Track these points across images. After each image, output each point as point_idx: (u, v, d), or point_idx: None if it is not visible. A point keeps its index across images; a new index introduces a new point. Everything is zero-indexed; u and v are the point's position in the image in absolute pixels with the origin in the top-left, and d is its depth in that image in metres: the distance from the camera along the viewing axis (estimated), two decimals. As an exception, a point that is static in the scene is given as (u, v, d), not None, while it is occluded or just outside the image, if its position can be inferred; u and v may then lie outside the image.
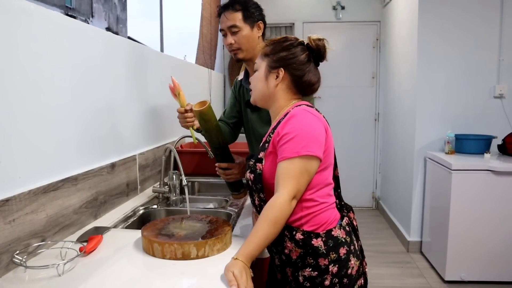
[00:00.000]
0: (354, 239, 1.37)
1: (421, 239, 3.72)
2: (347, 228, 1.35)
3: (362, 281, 1.38)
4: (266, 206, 1.20)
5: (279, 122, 1.31)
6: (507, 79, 3.45)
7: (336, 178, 1.42)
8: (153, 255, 1.27)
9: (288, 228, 1.28)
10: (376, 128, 5.08)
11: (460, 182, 3.02)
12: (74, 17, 1.59)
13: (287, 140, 1.23)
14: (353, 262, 1.31)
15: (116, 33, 1.97)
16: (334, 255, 1.27)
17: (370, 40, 4.97)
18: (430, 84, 3.54)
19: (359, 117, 5.06)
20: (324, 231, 1.28)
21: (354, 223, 1.44)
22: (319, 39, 1.36)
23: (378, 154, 5.10)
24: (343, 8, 4.90)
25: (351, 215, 1.45)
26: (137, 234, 1.46)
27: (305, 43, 1.38)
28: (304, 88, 1.37)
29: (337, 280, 1.27)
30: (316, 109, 1.35)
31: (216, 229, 1.39)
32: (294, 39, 1.39)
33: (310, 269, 1.28)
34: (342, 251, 1.29)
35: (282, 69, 1.34)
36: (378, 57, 4.96)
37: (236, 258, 1.14)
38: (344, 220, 1.35)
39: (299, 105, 1.32)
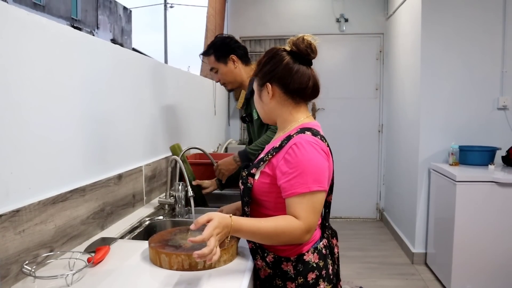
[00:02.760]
0: (330, 262, 1.34)
1: (426, 250, 3.71)
2: (324, 251, 1.32)
3: None
4: (287, 224, 1.18)
5: (281, 145, 1.28)
6: (510, 90, 3.46)
7: (327, 202, 1.40)
8: (160, 266, 1.28)
9: (260, 248, 1.31)
10: (380, 140, 5.09)
11: (465, 194, 3.02)
12: (80, 29, 1.63)
13: (297, 174, 1.20)
14: (322, 286, 1.29)
15: (121, 45, 2.03)
16: (302, 279, 1.27)
17: (374, 52, 5.00)
18: (433, 95, 3.56)
19: (362, 129, 5.08)
20: (295, 256, 1.28)
21: (335, 249, 1.42)
22: (298, 38, 1.33)
23: (382, 165, 5.10)
24: (346, 20, 4.94)
25: (334, 241, 1.42)
26: (144, 245, 1.47)
27: (288, 49, 1.35)
28: (297, 92, 1.33)
29: None
30: (317, 134, 1.29)
31: (223, 240, 1.39)
32: (273, 50, 1.36)
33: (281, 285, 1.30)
34: (311, 275, 1.28)
35: (268, 83, 1.33)
36: (381, 69, 4.99)
37: (231, 220, 1.16)
38: (321, 242, 1.33)
39: (303, 130, 1.28)
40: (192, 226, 1.14)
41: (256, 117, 2.08)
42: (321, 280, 1.29)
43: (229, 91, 2.23)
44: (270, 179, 1.27)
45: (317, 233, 1.35)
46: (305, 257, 1.29)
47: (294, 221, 1.18)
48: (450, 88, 3.54)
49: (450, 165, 3.36)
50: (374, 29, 4.96)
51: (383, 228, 4.84)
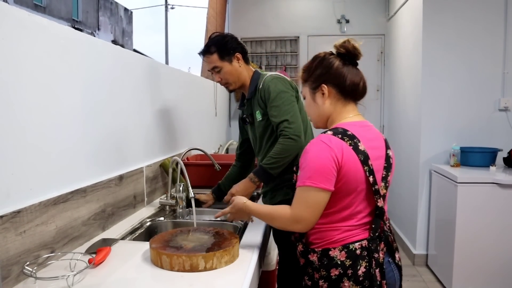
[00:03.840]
0: (363, 265, 1.31)
1: (427, 252, 3.70)
2: (357, 252, 1.31)
3: None
4: (279, 211, 1.36)
5: None
6: (511, 92, 3.46)
7: (378, 208, 1.34)
8: (162, 267, 1.28)
9: (296, 239, 1.43)
10: (381, 141, 5.07)
11: (466, 195, 3.01)
12: (81, 30, 1.63)
13: (301, 169, 1.32)
14: (347, 285, 1.29)
15: (122, 46, 2.01)
16: (324, 272, 1.31)
17: (375, 53, 5.00)
18: (435, 97, 3.55)
19: (363, 130, 5.06)
20: (321, 249, 1.33)
21: (380, 254, 1.35)
22: (344, 41, 1.40)
23: (383, 166, 5.08)
24: (347, 21, 4.94)
25: (381, 245, 1.37)
26: (145, 246, 1.47)
27: (334, 52, 1.42)
28: (351, 91, 1.39)
29: None
30: (341, 133, 1.32)
31: (224, 241, 1.40)
32: (322, 54, 1.44)
33: (307, 278, 1.37)
34: (334, 271, 1.30)
35: (323, 84, 1.39)
36: (382, 70, 4.99)
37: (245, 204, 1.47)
38: (360, 243, 1.31)
39: (331, 130, 1.34)
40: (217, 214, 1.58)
41: (260, 118, 1.94)
42: (345, 278, 1.30)
43: (231, 91, 2.08)
44: None
45: (356, 233, 1.33)
46: (331, 252, 1.31)
47: (285, 209, 1.33)
48: (451, 89, 3.54)
49: (452, 166, 3.35)
50: (375, 30, 4.95)
51: (384, 229, 4.82)
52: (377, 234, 1.34)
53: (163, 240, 1.40)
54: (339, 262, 1.30)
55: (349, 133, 1.32)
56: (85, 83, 1.57)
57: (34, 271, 1.18)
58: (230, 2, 5.02)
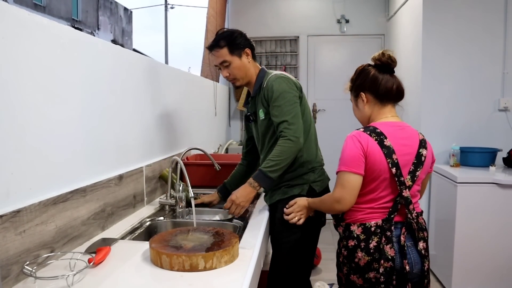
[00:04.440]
0: (375, 240, 1.56)
1: (426, 252, 3.70)
2: (372, 229, 1.57)
3: (382, 277, 1.53)
4: (326, 196, 1.72)
5: None
6: (511, 92, 3.46)
7: (403, 197, 1.56)
8: (161, 266, 1.28)
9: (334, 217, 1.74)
10: (381, 141, 5.08)
11: (466, 195, 3.01)
12: (81, 30, 1.62)
13: (339, 160, 1.62)
14: (360, 255, 1.57)
15: (122, 45, 2.01)
16: (345, 242, 1.64)
17: (375, 53, 4.99)
18: (434, 97, 3.55)
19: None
20: (345, 223, 1.64)
21: (401, 239, 1.56)
22: (379, 54, 1.69)
23: (383, 166, 5.08)
24: (347, 21, 4.94)
25: (403, 230, 1.58)
26: (144, 245, 1.47)
27: (372, 64, 1.72)
28: (385, 95, 1.68)
29: (346, 261, 1.64)
30: (371, 130, 1.61)
31: (223, 241, 1.39)
32: (361, 67, 1.75)
33: (339, 246, 1.71)
34: (351, 242, 1.61)
35: (362, 93, 1.70)
36: (382, 70, 4.98)
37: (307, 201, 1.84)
38: (376, 223, 1.57)
39: (364, 127, 1.66)
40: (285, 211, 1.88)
41: (263, 117, 1.94)
42: (359, 249, 1.58)
43: (237, 87, 2.09)
44: None
45: (375, 216, 1.59)
46: (351, 227, 1.62)
47: (329, 194, 1.68)
48: (451, 89, 3.54)
49: (451, 166, 3.35)
50: (375, 30, 4.95)
51: (384, 229, 4.83)
52: (392, 216, 1.57)
53: (163, 240, 1.40)
54: (355, 235, 1.60)
55: (378, 130, 1.59)
56: (85, 83, 1.56)
57: (33, 270, 1.17)
58: (230, 2, 5.02)
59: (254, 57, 2.03)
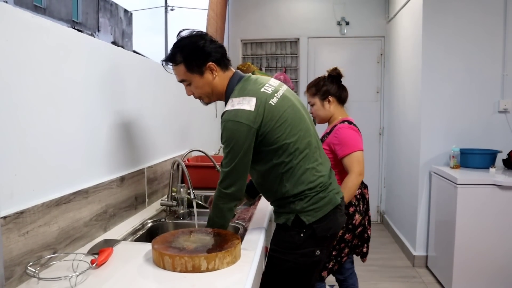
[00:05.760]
0: (362, 203, 2.37)
1: (426, 253, 3.71)
2: (358, 196, 2.35)
3: (360, 229, 2.37)
4: (347, 183, 2.14)
5: (332, 129, 2.30)
6: (511, 94, 3.47)
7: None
8: (164, 267, 1.29)
9: None
10: (381, 142, 5.09)
11: (466, 197, 3.02)
12: (81, 31, 1.61)
13: (339, 146, 2.20)
14: (357, 217, 2.33)
15: (122, 47, 2.00)
16: (346, 211, 2.23)
17: (375, 55, 5.01)
18: (434, 98, 3.56)
19: (363, 131, 4.95)
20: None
21: (366, 196, 2.43)
22: (332, 69, 2.39)
23: (383, 168, 5.10)
24: (347, 23, 4.95)
25: (365, 190, 2.43)
26: (146, 247, 1.48)
27: (328, 75, 2.38)
28: (344, 99, 2.41)
29: (344, 225, 2.15)
30: (351, 123, 2.32)
31: (225, 242, 1.40)
32: (322, 77, 2.39)
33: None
34: (351, 209, 2.31)
35: (329, 96, 2.34)
36: (382, 71, 5.00)
37: None
38: (357, 191, 2.32)
39: (343, 121, 2.28)
40: None
41: None
42: (357, 213, 2.33)
43: (206, 104, 1.75)
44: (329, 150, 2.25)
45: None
46: None
47: (349, 176, 2.17)
48: (451, 91, 3.55)
49: (451, 168, 3.36)
50: (375, 32, 4.96)
51: (384, 231, 4.84)
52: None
53: (165, 241, 1.41)
54: (352, 203, 2.31)
55: (354, 123, 2.32)
56: (86, 85, 1.57)
57: (37, 271, 1.18)
58: (231, 4, 5.03)
59: (224, 66, 1.63)
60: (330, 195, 1.64)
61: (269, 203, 1.78)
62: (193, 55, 1.55)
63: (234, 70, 1.68)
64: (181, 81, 1.63)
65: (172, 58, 1.58)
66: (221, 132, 1.54)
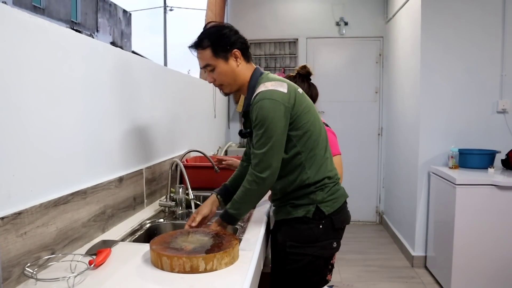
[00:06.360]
0: None
1: (425, 253, 3.71)
2: None
3: None
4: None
5: None
6: (510, 94, 3.48)
7: None
8: (162, 268, 1.28)
9: None
10: (380, 143, 5.09)
11: (464, 197, 3.02)
12: (80, 32, 1.61)
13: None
14: None
15: (121, 47, 2.01)
16: None
17: (373, 55, 5.01)
18: (433, 99, 3.57)
19: (362, 132, 5.08)
20: None
21: None
22: (301, 67, 2.33)
23: (382, 168, 5.10)
24: (346, 24, 4.95)
25: None
26: (145, 247, 1.48)
27: (297, 73, 2.32)
28: (315, 97, 2.30)
29: None
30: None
31: (224, 243, 1.40)
32: (292, 76, 2.31)
33: None
34: None
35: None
36: (381, 72, 5.01)
37: None
38: None
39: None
40: None
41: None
42: None
43: (226, 95, 1.77)
44: None
45: None
46: None
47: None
48: (450, 92, 3.55)
49: (450, 168, 3.36)
50: (374, 32, 4.97)
51: (383, 231, 4.84)
52: None
53: (163, 242, 1.41)
54: None
55: (326, 123, 2.19)
56: (85, 85, 1.57)
57: (34, 272, 1.18)
58: (229, 4, 5.03)
59: (247, 58, 1.70)
60: (342, 188, 1.77)
61: (273, 200, 1.80)
62: (220, 40, 1.62)
63: (256, 66, 1.74)
64: (205, 66, 1.66)
65: (199, 43, 1.64)
66: (255, 113, 1.57)
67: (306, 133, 1.63)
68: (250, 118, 1.66)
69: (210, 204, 1.78)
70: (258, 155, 1.57)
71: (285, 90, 1.60)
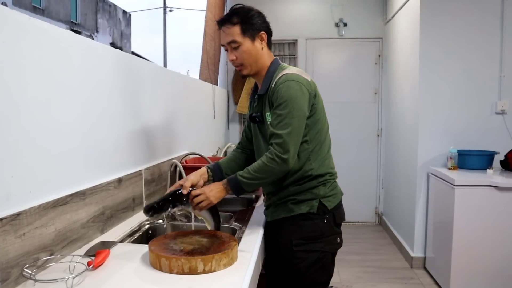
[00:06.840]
0: None
1: (424, 254, 3.71)
2: None
3: None
4: None
5: None
6: (508, 95, 3.48)
7: None
8: (160, 269, 1.29)
9: None
10: (379, 144, 5.10)
11: (463, 198, 3.02)
12: (79, 32, 1.62)
13: None
14: None
15: (120, 48, 2.02)
16: None
17: (373, 56, 5.02)
18: (432, 100, 3.57)
19: (361, 133, 5.09)
20: None
21: None
22: None
23: (381, 169, 5.11)
24: (345, 25, 4.96)
25: None
26: (143, 248, 1.48)
27: None
28: None
29: None
30: None
31: (223, 244, 1.40)
32: None
33: None
34: None
35: None
36: (380, 73, 5.01)
37: None
38: None
39: None
40: None
41: (270, 121, 1.65)
42: None
43: (244, 76, 1.74)
44: None
45: None
46: None
47: None
48: (449, 93, 3.56)
49: (449, 169, 3.37)
50: (373, 33, 4.97)
51: (382, 232, 4.84)
52: None
53: (162, 243, 1.41)
54: None
55: None
56: (85, 86, 1.57)
57: (33, 273, 1.18)
58: (228, 5, 5.03)
59: (270, 45, 1.72)
60: (338, 186, 1.79)
61: (268, 199, 1.79)
62: (250, 19, 1.64)
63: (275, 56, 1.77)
64: (230, 42, 1.64)
65: (229, 18, 1.64)
66: (280, 92, 1.58)
67: (317, 125, 1.68)
68: (265, 101, 1.68)
69: (200, 175, 1.68)
70: (280, 135, 1.55)
71: (309, 79, 1.67)
